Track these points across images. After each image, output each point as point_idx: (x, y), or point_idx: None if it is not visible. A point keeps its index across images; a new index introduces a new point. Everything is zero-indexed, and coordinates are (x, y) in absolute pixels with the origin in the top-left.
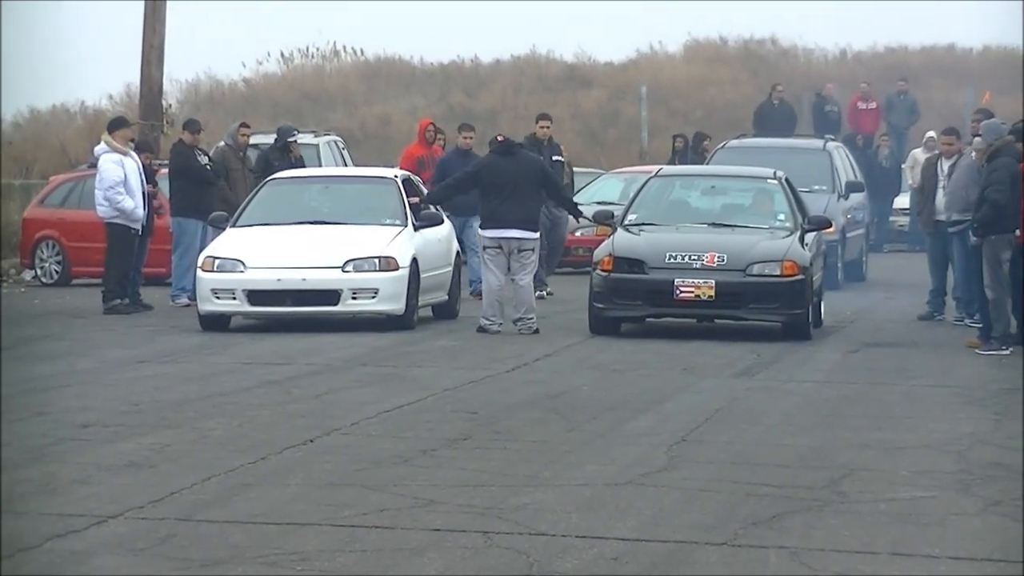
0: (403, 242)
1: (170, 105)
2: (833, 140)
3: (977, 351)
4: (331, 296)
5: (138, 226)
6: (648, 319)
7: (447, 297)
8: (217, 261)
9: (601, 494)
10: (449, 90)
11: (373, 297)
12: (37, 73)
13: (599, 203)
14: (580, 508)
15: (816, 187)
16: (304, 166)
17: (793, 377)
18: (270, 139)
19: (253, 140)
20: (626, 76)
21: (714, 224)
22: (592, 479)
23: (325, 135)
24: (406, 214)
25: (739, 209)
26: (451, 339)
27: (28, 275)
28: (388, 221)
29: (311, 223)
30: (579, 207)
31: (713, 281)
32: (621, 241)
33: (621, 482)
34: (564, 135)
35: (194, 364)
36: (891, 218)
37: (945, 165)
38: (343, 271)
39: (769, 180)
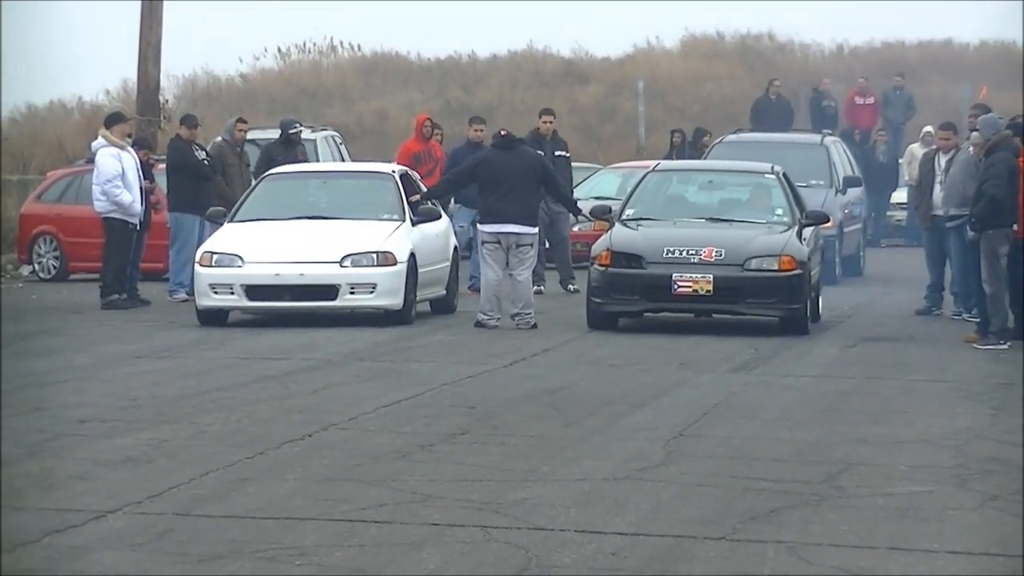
0: (401, 237)
1: (167, 101)
2: (830, 135)
3: (975, 346)
4: (329, 291)
5: (136, 221)
6: (646, 314)
7: (445, 292)
8: (215, 256)
9: (599, 489)
10: (446, 85)
11: (371, 292)
12: (34, 69)
13: (596, 198)
14: (578, 503)
15: (813, 182)
16: (307, 159)
17: (791, 372)
18: (267, 134)
19: (250, 135)
20: (623, 71)
21: (712, 219)
22: (590, 474)
23: (322, 130)
24: (404, 209)
25: (737, 204)
26: (449, 334)
27: (26, 270)
28: (386, 216)
29: (309, 218)
30: (578, 203)
31: (711, 276)
32: (619, 236)
33: (619, 477)
34: (561, 130)
35: (192, 359)
36: (888, 213)
37: (942, 160)
38: (341, 266)
39: (767, 175)
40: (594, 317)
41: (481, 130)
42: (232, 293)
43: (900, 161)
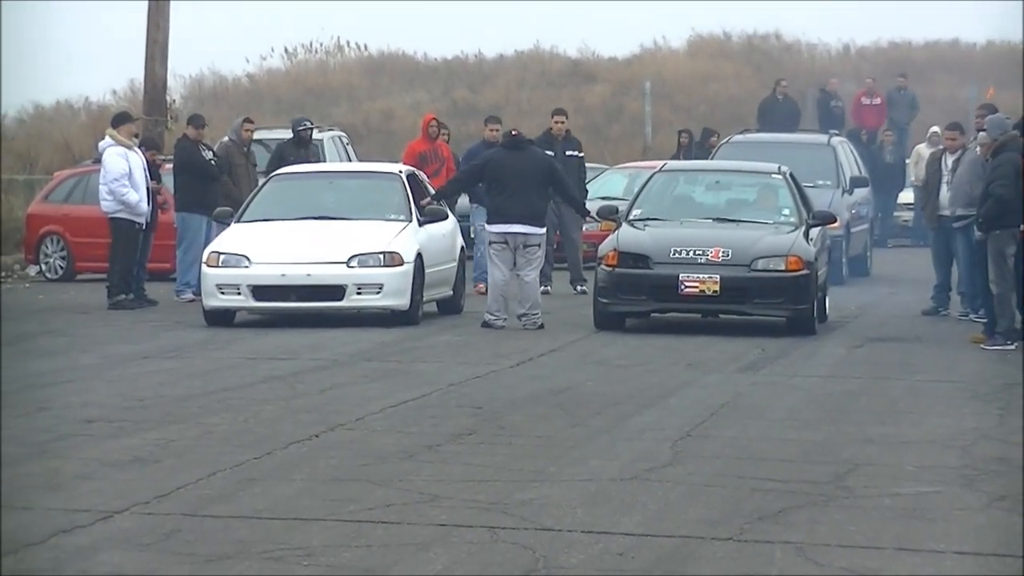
0: (408, 237)
1: (174, 101)
2: (837, 135)
3: (981, 346)
4: (336, 291)
5: (142, 221)
6: (653, 314)
7: (452, 292)
8: (222, 256)
9: (606, 489)
10: (453, 85)
11: (378, 292)
12: (41, 69)
13: (603, 198)
14: (585, 503)
15: (820, 182)
16: (319, 158)
17: (798, 372)
18: (274, 134)
19: (257, 135)
20: (630, 71)
21: (718, 219)
22: (597, 474)
23: (329, 130)
24: (411, 209)
25: (743, 204)
26: (455, 334)
27: (32, 270)
28: (393, 216)
29: (316, 218)
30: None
31: (718, 276)
32: (626, 236)
33: (626, 477)
34: None
35: (199, 359)
36: (895, 213)
37: (949, 160)
38: (348, 266)
39: (773, 175)
40: (601, 317)
41: (497, 129)
42: (239, 293)
43: (907, 161)
